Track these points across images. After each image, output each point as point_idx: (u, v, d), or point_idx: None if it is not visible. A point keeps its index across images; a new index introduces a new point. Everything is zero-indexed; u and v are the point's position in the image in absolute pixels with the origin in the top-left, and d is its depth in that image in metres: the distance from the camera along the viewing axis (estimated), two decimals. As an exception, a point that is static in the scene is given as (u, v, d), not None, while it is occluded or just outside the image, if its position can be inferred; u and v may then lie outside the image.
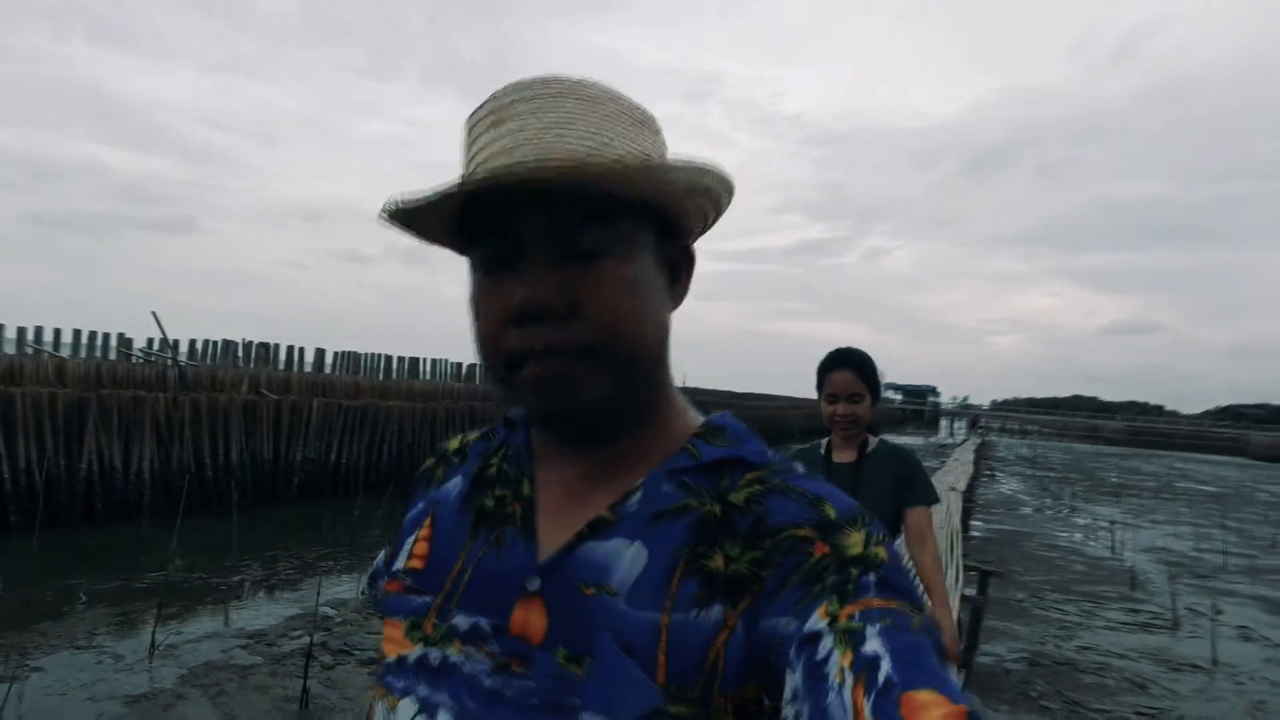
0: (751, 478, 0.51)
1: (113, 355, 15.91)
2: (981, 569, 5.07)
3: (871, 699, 0.37)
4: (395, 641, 0.54)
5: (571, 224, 0.47)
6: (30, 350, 14.37)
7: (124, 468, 8.69)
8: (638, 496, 0.51)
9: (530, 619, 0.49)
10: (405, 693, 0.52)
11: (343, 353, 21.13)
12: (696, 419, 0.57)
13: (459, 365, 21.62)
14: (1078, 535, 12.17)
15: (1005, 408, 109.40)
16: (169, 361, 14.14)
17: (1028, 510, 14.94)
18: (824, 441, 2.28)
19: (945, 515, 8.36)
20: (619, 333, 0.49)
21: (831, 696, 0.38)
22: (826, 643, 0.41)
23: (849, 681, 0.38)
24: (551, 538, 0.52)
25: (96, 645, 5.06)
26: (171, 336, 16.18)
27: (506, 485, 0.56)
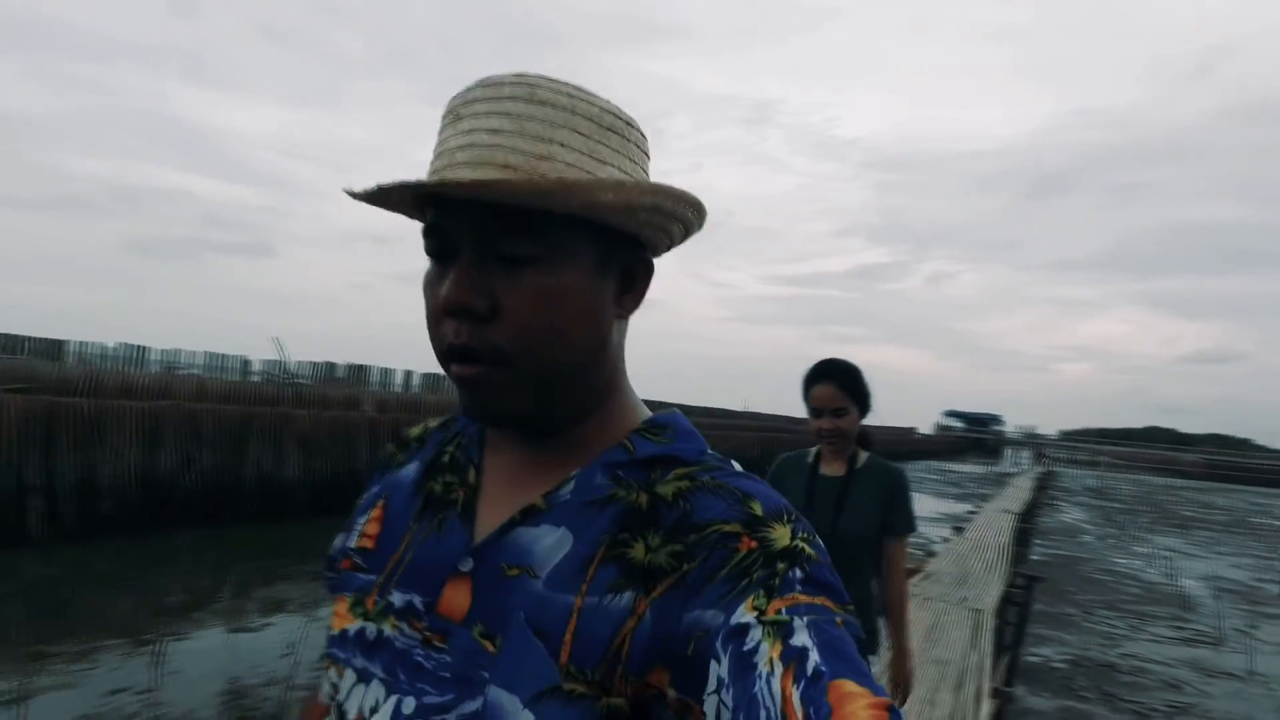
0: (681, 473, 0.53)
1: (234, 375, 17.94)
2: (1027, 575, 5.90)
3: (800, 686, 0.38)
4: (341, 616, 0.58)
5: (495, 231, 0.49)
6: (172, 370, 16.43)
7: (276, 473, 10.24)
8: (570, 486, 0.53)
9: (456, 598, 0.52)
10: (347, 663, 0.56)
11: (427, 374, 23.16)
12: (642, 415, 0.59)
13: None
14: (1136, 562, 12.54)
15: (1074, 438, 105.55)
16: (286, 380, 15.94)
17: (1088, 538, 15.25)
18: (813, 451, 2.21)
19: (996, 532, 9.14)
20: (534, 343, 0.50)
21: (760, 684, 0.40)
22: (755, 634, 0.42)
23: (778, 670, 0.40)
24: (488, 523, 0.54)
25: (300, 612, 6.39)
26: (275, 358, 18.20)
27: (455, 472, 0.59)
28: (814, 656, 0.40)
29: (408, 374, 22.03)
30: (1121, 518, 19.87)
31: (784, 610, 0.43)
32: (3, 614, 6.06)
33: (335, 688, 0.57)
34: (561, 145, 0.49)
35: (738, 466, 0.55)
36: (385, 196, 0.51)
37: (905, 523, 2.11)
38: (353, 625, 0.56)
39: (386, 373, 21.37)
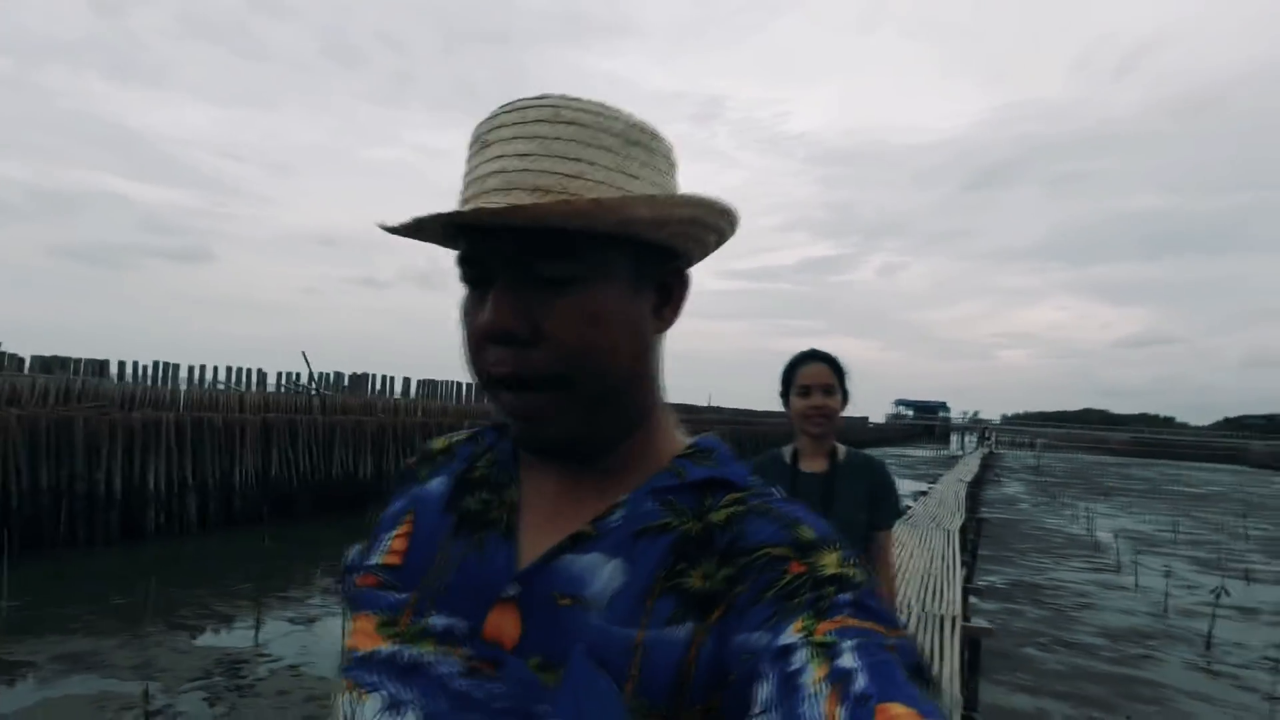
0: (733, 498, 0.53)
1: (259, 387, 19.28)
2: (976, 518, 8.24)
3: (847, 708, 0.38)
4: (366, 635, 0.55)
5: (532, 254, 0.50)
6: (217, 386, 17.74)
7: (354, 471, 12.00)
8: (621, 513, 0.53)
9: (504, 624, 0.51)
10: (374, 688, 0.53)
11: (424, 380, 24.76)
12: (683, 438, 0.59)
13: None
14: (1062, 521, 15.22)
15: (1016, 422, 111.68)
16: (312, 391, 17.42)
17: (1025, 505, 17.98)
18: (786, 451, 2.16)
19: (954, 493, 11.59)
20: (583, 363, 0.50)
21: (805, 706, 0.39)
22: (801, 655, 0.42)
23: (824, 692, 0.39)
24: (532, 546, 0.53)
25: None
26: (296, 371, 19.62)
27: (492, 490, 0.58)
28: (861, 679, 0.39)
29: (406, 381, 23.56)
30: (1054, 489, 22.79)
31: (831, 633, 0.43)
32: (233, 579, 7.82)
33: (352, 714, 0.53)
34: (590, 164, 0.50)
35: (779, 493, 0.55)
36: (418, 228, 0.51)
37: (893, 513, 2.15)
38: (383, 647, 0.54)
39: (387, 380, 22.85)
